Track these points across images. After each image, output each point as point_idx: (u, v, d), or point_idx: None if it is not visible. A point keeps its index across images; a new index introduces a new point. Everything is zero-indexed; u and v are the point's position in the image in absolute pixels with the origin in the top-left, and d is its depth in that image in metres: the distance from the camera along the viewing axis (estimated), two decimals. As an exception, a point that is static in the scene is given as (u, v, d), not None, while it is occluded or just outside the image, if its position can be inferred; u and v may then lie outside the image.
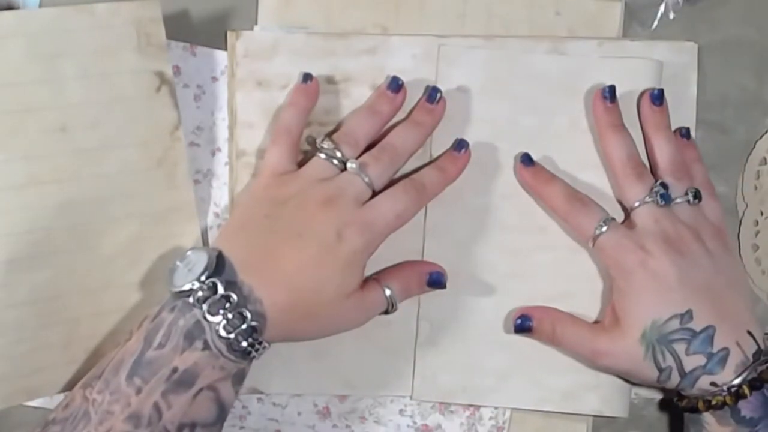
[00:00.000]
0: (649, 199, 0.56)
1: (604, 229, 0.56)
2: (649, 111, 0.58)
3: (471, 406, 0.60)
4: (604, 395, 0.59)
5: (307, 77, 0.57)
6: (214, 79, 0.59)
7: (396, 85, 0.57)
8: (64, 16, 0.54)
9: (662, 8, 0.61)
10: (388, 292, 0.55)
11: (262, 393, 0.60)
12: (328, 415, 0.60)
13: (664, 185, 0.56)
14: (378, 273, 0.57)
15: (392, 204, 0.54)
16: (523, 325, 0.58)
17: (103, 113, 0.55)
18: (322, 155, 0.55)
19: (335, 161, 0.55)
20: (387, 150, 0.56)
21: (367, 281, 0.55)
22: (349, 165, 0.55)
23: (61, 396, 0.58)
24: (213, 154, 0.59)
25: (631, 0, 0.60)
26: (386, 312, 0.56)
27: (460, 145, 0.58)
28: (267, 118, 0.58)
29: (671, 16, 0.61)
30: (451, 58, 0.59)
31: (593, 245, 0.57)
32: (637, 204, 0.56)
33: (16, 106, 0.54)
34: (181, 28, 0.58)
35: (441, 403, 0.60)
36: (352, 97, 0.59)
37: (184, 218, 0.58)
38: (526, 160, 0.58)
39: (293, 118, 0.57)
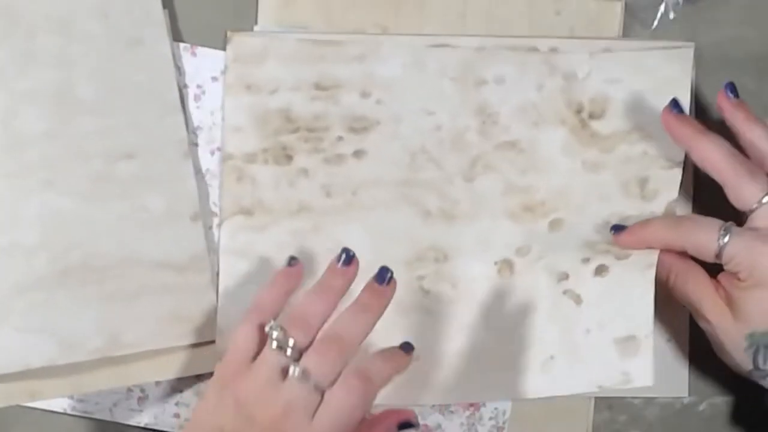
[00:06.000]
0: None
1: (727, 239, 0.52)
2: (729, 105, 0.55)
3: (471, 405, 0.60)
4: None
5: (291, 260, 0.54)
6: (214, 79, 0.59)
7: (348, 257, 0.52)
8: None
9: (662, 8, 0.61)
10: None
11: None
12: (329, 415, 0.60)
13: None
14: None
15: (341, 410, 0.48)
16: None
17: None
18: (274, 344, 0.49)
19: (288, 351, 0.49)
20: (334, 342, 0.49)
21: None
22: (291, 371, 0.48)
23: (64, 401, 0.58)
24: (212, 153, 0.59)
25: (631, 0, 0.60)
26: None
27: (406, 347, 0.55)
28: (255, 123, 0.58)
29: (671, 16, 0.61)
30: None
31: (718, 257, 0.53)
32: (755, 206, 0.53)
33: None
34: (181, 28, 0.58)
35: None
36: (341, 104, 0.58)
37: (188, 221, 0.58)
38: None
39: (271, 299, 0.52)
